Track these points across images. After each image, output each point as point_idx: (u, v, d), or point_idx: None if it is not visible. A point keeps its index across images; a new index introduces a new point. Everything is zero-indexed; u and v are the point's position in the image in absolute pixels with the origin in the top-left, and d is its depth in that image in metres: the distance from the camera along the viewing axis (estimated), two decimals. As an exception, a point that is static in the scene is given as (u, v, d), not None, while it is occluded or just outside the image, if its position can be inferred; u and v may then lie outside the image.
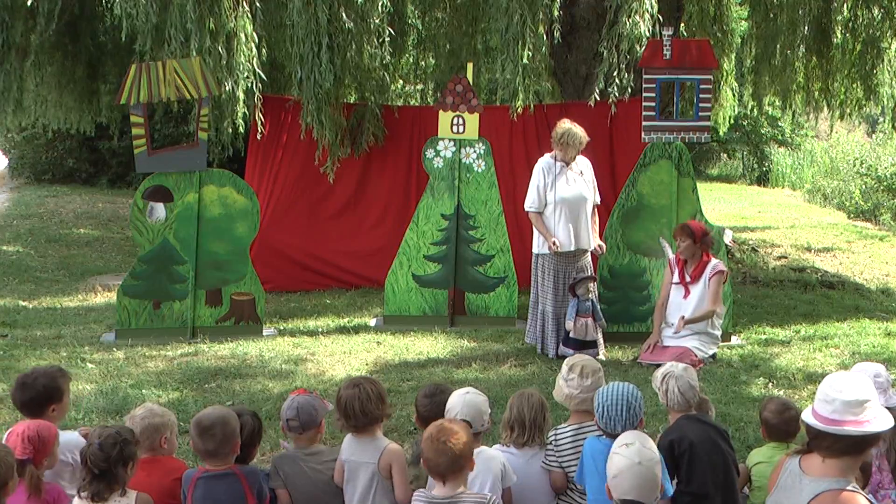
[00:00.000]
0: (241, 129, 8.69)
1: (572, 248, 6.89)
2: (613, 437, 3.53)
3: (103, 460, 3.20)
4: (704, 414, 3.90)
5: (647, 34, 7.72)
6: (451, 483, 3.24)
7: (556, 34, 8.39)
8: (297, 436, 3.80)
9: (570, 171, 6.98)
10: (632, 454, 3.11)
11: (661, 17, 7.98)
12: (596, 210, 7.14)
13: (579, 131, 6.92)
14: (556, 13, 8.15)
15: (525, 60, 7.65)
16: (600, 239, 7.22)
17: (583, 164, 7.08)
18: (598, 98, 8.37)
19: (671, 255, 7.00)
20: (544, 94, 9.71)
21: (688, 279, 6.84)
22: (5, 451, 3.13)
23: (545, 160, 7.04)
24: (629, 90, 8.21)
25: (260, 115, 8.58)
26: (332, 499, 3.72)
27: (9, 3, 8.10)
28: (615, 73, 7.98)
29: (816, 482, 2.81)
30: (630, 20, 7.62)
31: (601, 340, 6.92)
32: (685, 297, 6.84)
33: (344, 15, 7.91)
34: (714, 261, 6.85)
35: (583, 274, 6.92)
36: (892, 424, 2.83)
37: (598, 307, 6.90)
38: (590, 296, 6.82)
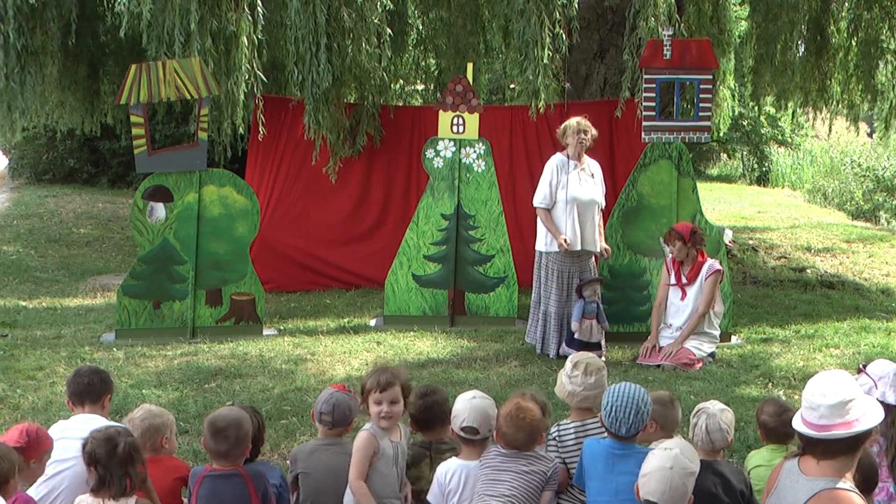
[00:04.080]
0: (241, 131, 8.69)
1: (578, 249, 6.88)
2: (616, 437, 3.54)
3: (120, 463, 3.22)
4: (725, 464, 3.71)
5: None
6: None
7: (575, 33, 8.39)
8: (325, 429, 3.82)
9: (583, 171, 6.95)
10: (666, 458, 3.09)
11: (678, 18, 7.99)
12: (601, 213, 7.13)
13: (588, 122, 6.90)
14: (573, 12, 8.15)
15: (545, 61, 7.67)
16: (605, 243, 7.19)
17: (594, 166, 7.05)
18: (624, 107, 8.37)
19: (669, 256, 7.00)
20: (562, 94, 9.73)
21: (684, 280, 6.85)
22: (7, 450, 3.15)
23: (559, 158, 6.98)
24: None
25: (261, 116, 8.57)
26: (342, 488, 3.70)
27: (16, 6, 8.09)
28: (638, 78, 7.98)
29: (813, 482, 2.82)
30: (648, 24, 7.62)
31: (604, 342, 6.92)
32: (682, 298, 6.85)
33: (344, 15, 7.92)
34: (710, 261, 6.85)
35: (589, 275, 6.91)
36: (881, 418, 2.83)
37: (602, 309, 6.90)
38: (595, 298, 6.82)
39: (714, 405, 3.75)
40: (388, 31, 8.57)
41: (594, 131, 6.95)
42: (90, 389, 3.97)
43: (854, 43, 10.77)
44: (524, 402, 3.57)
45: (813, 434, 2.81)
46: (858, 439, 2.81)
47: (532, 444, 3.56)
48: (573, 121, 6.95)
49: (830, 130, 14.42)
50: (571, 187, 6.87)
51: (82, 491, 3.39)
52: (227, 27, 7.70)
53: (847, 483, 2.80)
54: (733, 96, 12.68)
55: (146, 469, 3.33)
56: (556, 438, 3.83)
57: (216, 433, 3.42)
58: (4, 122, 11.60)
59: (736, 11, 12.72)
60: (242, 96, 7.95)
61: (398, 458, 3.66)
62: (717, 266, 6.84)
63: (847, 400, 2.79)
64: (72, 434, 3.69)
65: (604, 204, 7.13)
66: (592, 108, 9.48)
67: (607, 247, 7.13)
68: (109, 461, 3.22)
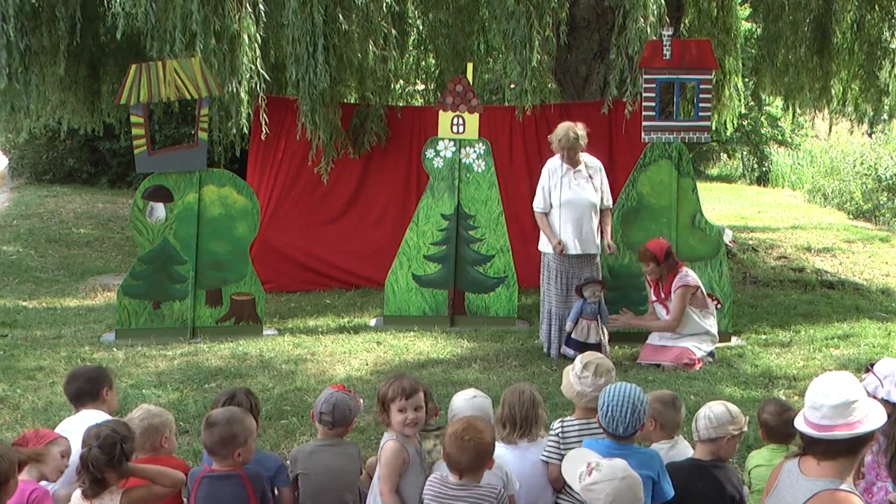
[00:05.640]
0: (246, 130, 8.72)
1: (576, 252, 6.87)
2: (613, 436, 3.54)
3: (106, 463, 3.23)
4: (725, 468, 3.67)
5: (657, 37, 7.71)
6: (468, 479, 3.31)
7: (563, 35, 8.38)
8: (325, 430, 3.81)
9: (578, 173, 6.91)
10: (609, 473, 3.07)
11: (668, 19, 7.98)
12: (608, 213, 7.05)
13: (574, 132, 6.79)
14: (563, 14, 8.15)
15: (534, 63, 7.68)
16: (610, 240, 7.11)
17: (592, 166, 6.98)
18: (610, 104, 8.36)
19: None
20: (548, 94, 9.75)
21: (662, 296, 6.88)
22: (6, 449, 3.15)
23: (552, 162, 7.00)
24: (640, 94, 8.21)
25: (264, 115, 8.57)
26: (342, 488, 3.71)
27: (18, 6, 8.09)
28: (627, 78, 7.97)
29: (813, 482, 2.81)
30: (636, 24, 7.62)
31: (606, 344, 6.88)
32: (667, 313, 6.87)
33: (340, 15, 7.92)
34: (680, 273, 6.79)
35: (591, 276, 6.91)
36: (883, 420, 2.82)
37: (606, 311, 6.88)
38: (595, 299, 6.81)
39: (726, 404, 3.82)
40: (393, 31, 8.59)
41: (582, 134, 6.81)
42: (80, 392, 4.01)
43: (857, 44, 10.77)
44: (476, 423, 3.39)
45: (814, 434, 2.81)
46: (860, 441, 2.80)
47: (477, 470, 3.32)
48: (561, 133, 6.81)
49: (831, 130, 14.41)
50: (563, 191, 6.89)
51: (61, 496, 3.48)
52: (230, 26, 7.70)
53: (847, 485, 2.80)
54: (739, 96, 12.65)
55: (122, 471, 3.31)
56: (559, 434, 3.83)
57: (206, 426, 3.48)
58: (8, 122, 11.62)
59: (741, 10, 12.71)
60: (246, 96, 7.96)
61: (424, 464, 3.65)
62: (686, 280, 6.75)
63: (851, 401, 2.78)
64: (71, 428, 3.72)
65: (609, 202, 7.05)
66: (592, 108, 9.48)
67: (611, 243, 7.09)
68: (81, 461, 3.28)
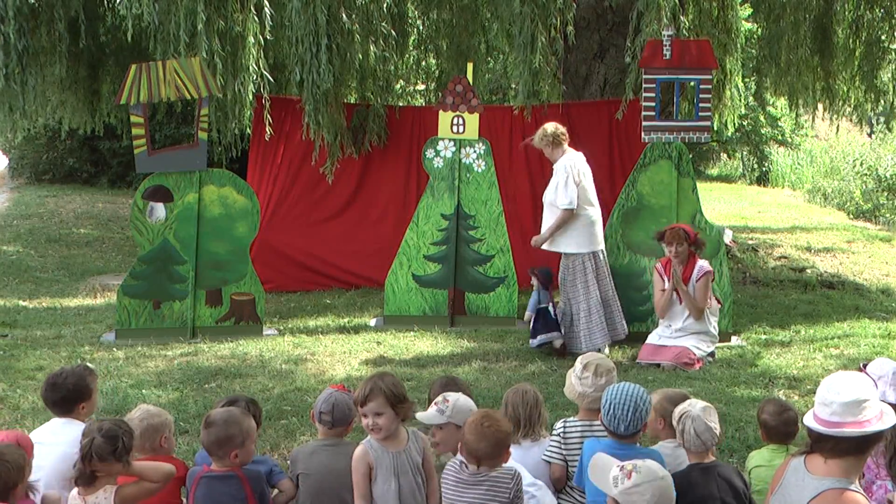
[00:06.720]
0: (249, 131, 8.72)
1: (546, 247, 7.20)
2: (615, 435, 3.54)
3: (110, 452, 3.24)
4: (724, 465, 3.60)
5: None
6: (485, 468, 3.34)
7: (571, 36, 8.41)
8: (326, 429, 3.80)
9: (553, 171, 7.09)
10: (649, 474, 2.99)
11: (683, 21, 8.00)
12: (564, 213, 6.88)
13: (537, 134, 7.05)
14: (570, 15, 8.17)
15: (535, 64, 7.69)
16: (544, 241, 7.09)
17: (558, 164, 7.02)
18: (625, 109, 8.38)
19: (659, 263, 6.96)
20: (553, 95, 9.76)
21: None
22: (18, 454, 3.13)
23: None
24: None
25: (269, 116, 8.58)
26: (342, 488, 3.69)
27: (16, 7, 8.09)
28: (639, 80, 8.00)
29: (819, 481, 2.81)
30: (650, 27, 7.62)
31: (556, 340, 6.90)
32: (680, 302, 6.85)
33: (343, 15, 7.93)
34: (699, 262, 6.82)
35: (541, 267, 7.07)
36: (893, 422, 2.82)
37: (536, 302, 6.88)
38: (531, 288, 6.98)
39: (695, 406, 3.58)
40: (393, 32, 8.60)
41: (540, 135, 7.03)
42: (55, 406, 3.92)
43: (857, 43, 10.78)
44: (494, 413, 3.43)
45: (823, 430, 2.81)
46: (868, 441, 2.80)
47: (495, 458, 3.34)
48: None
49: (838, 130, 14.38)
50: None
51: (54, 497, 3.43)
52: (233, 28, 7.72)
53: (854, 485, 2.80)
54: (741, 96, 12.65)
55: (123, 463, 3.30)
56: (562, 434, 3.83)
57: (204, 426, 3.49)
58: (5, 123, 11.62)
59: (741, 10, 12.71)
60: (251, 96, 7.96)
61: (399, 470, 3.49)
62: (708, 267, 6.82)
63: (862, 400, 2.79)
64: (44, 439, 3.70)
65: (564, 202, 6.86)
66: (592, 108, 9.50)
67: (535, 238, 7.18)
68: (82, 452, 3.28)
